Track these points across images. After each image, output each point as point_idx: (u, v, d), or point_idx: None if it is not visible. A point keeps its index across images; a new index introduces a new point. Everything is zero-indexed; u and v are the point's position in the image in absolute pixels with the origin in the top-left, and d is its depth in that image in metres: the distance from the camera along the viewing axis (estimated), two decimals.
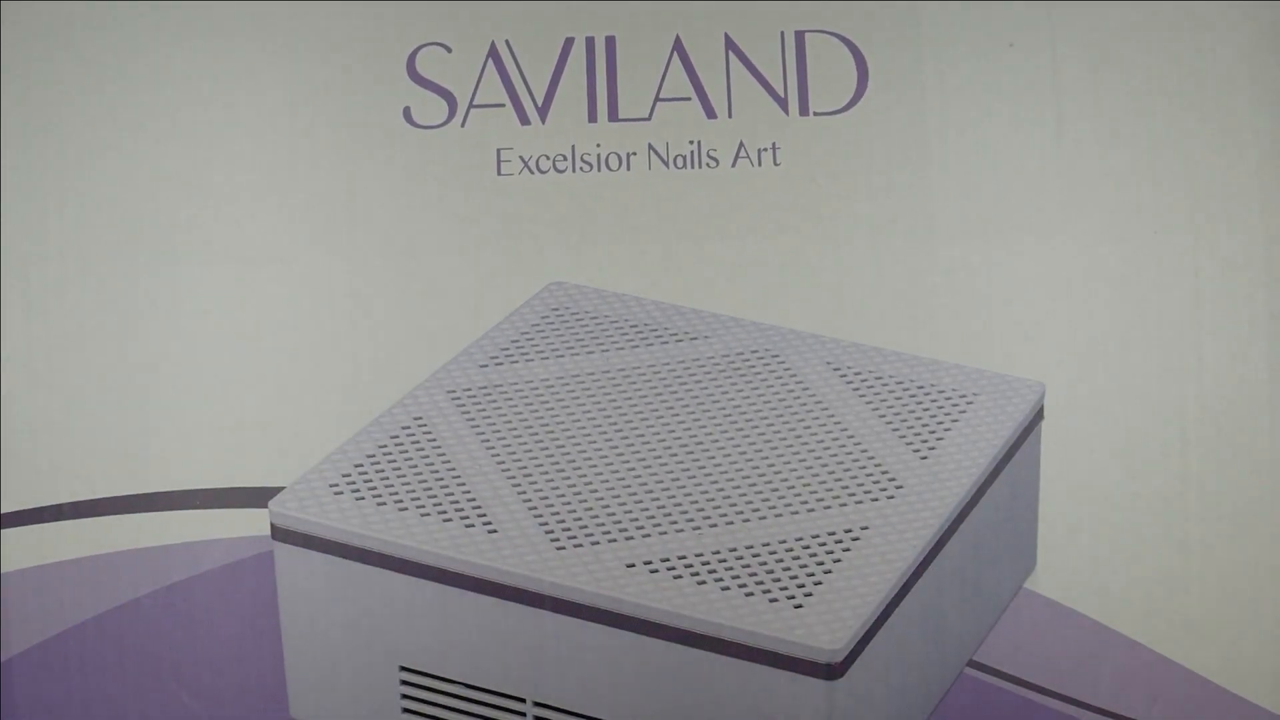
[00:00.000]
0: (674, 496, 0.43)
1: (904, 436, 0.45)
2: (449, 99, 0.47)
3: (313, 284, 0.45)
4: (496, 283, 0.46)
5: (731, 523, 0.42)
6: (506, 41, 0.47)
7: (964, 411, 0.45)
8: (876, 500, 0.43)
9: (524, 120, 0.46)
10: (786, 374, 0.47)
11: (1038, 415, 0.46)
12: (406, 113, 0.46)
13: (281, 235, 0.45)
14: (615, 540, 0.41)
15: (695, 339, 0.48)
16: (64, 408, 0.44)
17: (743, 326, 0.48)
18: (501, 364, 0.47)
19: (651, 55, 0.47)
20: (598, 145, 0.46)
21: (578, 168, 0.46)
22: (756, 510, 0.42)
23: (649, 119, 0.47)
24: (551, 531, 0.41)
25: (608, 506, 0.42)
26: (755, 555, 0.41)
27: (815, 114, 0.47)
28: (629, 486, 0.43)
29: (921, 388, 0.46)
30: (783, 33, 0.47)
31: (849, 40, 0.47)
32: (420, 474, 0.43)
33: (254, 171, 0.46)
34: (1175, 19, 0.47)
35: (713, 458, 0.44)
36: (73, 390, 0.45)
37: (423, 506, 0.42)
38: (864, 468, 0.44)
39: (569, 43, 0.47)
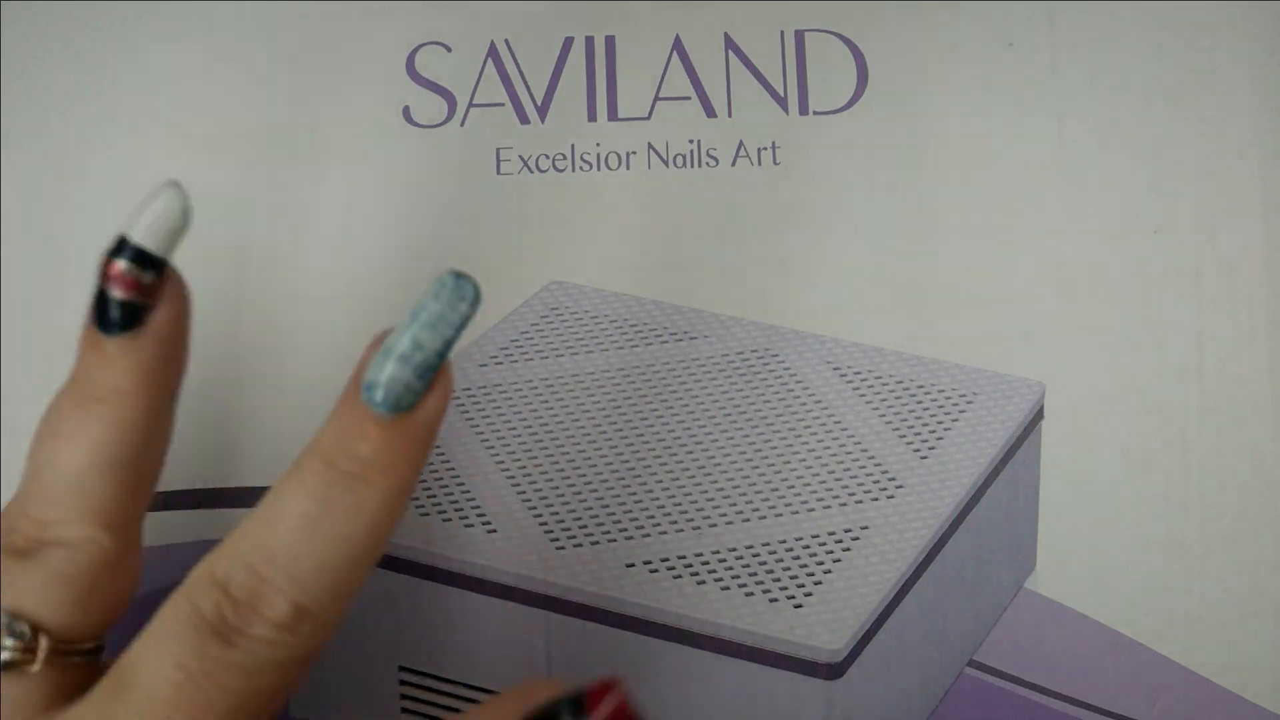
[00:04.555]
0: (674, 496, 0.43)
1: (904, 436, 0.45)
2: (448, 98, 0.47)
3: (314, 284, 0.45)
4: (496, 282, 0.46)
5: (731, 523, 0.42)
6: (506, 41, 0.47)
7: (964, 411, 0.45)
8: (876, 500, 0.43)
9: (524, 119, 0.46)
10: (786, 374, 0.47)
11: (1038, 415, 0.46)
12: (406, 112, 0.46)
13: (282, 235, 0.45)
14: (615, 540, 0.41)
15: (695, 339, 0.48)
16: None
17: (743, 326, 0.48)
18: (501, 363, 0.47)
19: (651, 55, 0.47)
20: (597, 145, 0.46)
21: (577, 167, 0.46)
22: (756, 510, 0.42)
23: (649, 118, 0.47)
24: (551, 531, 0.41)
25: (607, 506, 0.42)
26: (755, 555, 0.41)
27: (815, 113, 0.46)
28: (629, 486, 0.43)
29: (921, 387, 0.46)
30: (783, 32, 0.47)
31: (849, 40, 0.47)
32: (420, 474, 0.43)
33: (254, 171, 0.46)
34: (1175, 19, 0.47)
35: (713, 458, 0.44)
36: None
37: (422, 506, 0.42)
38: (864, 468, 0.44)
39: (569, 42, 0.47)
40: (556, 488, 0.43)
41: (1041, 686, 0.44)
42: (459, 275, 0.31)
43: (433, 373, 0.31)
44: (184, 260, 0.45)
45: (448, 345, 0.31)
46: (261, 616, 0.30)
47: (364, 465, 0.31)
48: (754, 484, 0.43)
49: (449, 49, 0.47)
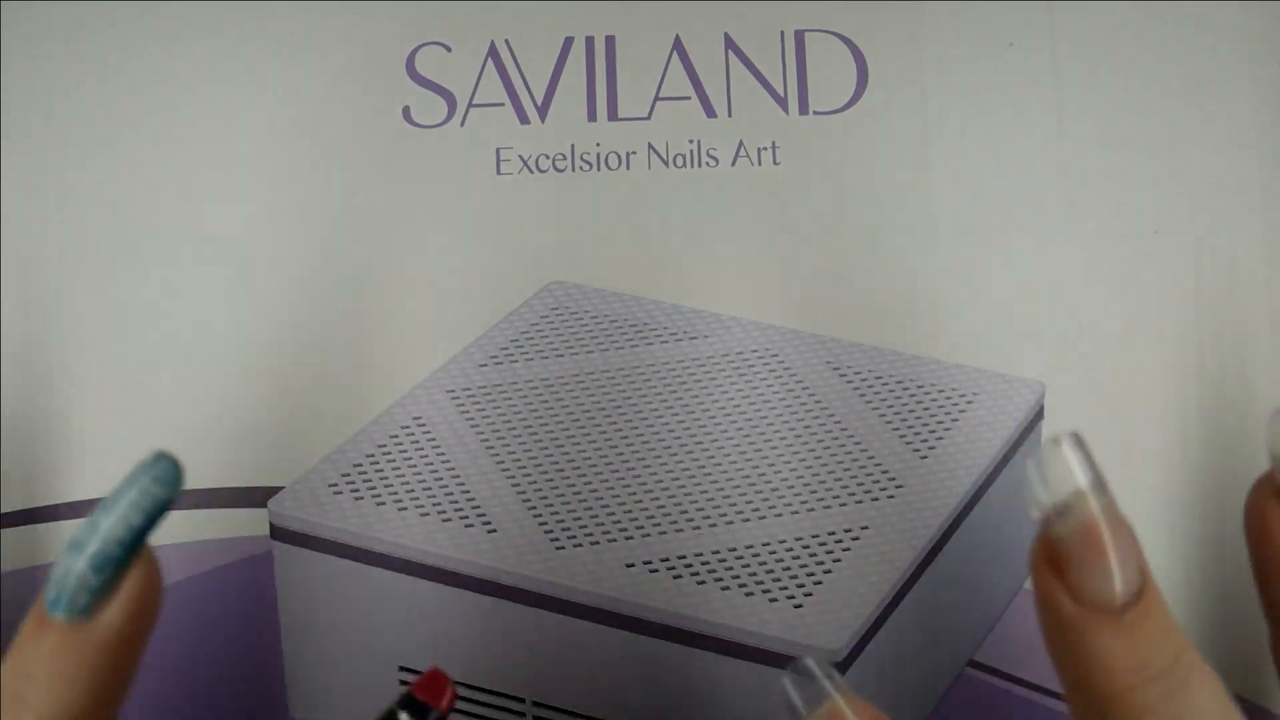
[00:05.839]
0: (674, 496, 0.43)
1: (904, 436, 0.45)
2: (448, 98, 0.47)
3: (313, 283, 0.45)
4: (496, 282, 0.46)
5: (731, 523, 0.42)
6: (506, 41, 0.47)
7: (964, 411, 0.45)
8: (876, 500, 0.43)
9: (524, 119, 0.46)
10: (786, 374, 0.47)
11: (1038, 415, 0.46)
12: (406, 112, 0.46)
13: (281, 235, 0.45)
14: (615, 540, 0.41)
15: (695, 339, 0.48)
16: (64, 408, 0.44)
17: (743, 326, 0.48)
18: (501, 363, 0.47)
19: (651, 55, 0.47)
20: (597, 145, 0.46)
21: (577, 167, 0.46)
22: (756, 510, 0.42)
23: (649, 118, 0.47)
24: (551, 531, 0.41)
25: (607, 506, 0.42)
26: (755, 555, 0.41)
27: (815, 114, 0.46)
28: (629, 486, 0.43)
29: (921, 387, 0.46)
30: (783, 32, 0.47)
31: (849, 40, 0.47)
32: (420, 474, 0.43)
33: (254, 171, 0.46)
34: (1175, 19, 0.47)
35: (713, 458, 0.44)
36: (73, 390, 0.45)
37: (422, 506, 0.42)
38: (864, 468, 0.44)
39: (569, 42, 0.47)
40: (556, 488, 0.43)
41: (1041, 686, 0.44)
42: (159, 454, 0.26)
43: (115, 566, 0.26)
44: (186, 261, 0.45)
45: (135, 534, 0.26)
46: None
47: (27, 683, 0.25)
48: (754, 484, 0.43)
49: (449, 49, 0.47)
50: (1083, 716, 0.28)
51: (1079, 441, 0.28)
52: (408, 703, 0.28)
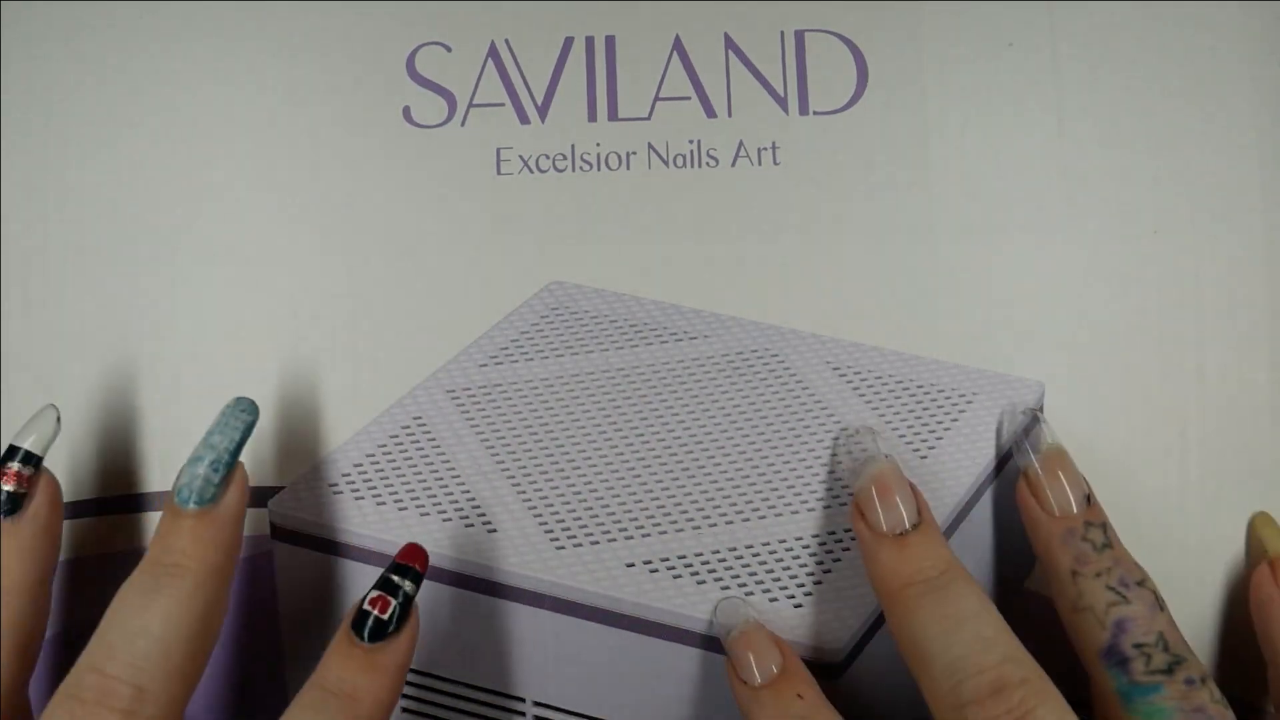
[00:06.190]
0: (674, 496, 0.43)
1: (904, 436, 0.45)
2: (449, 98, 0.47)
3: (313, 284, 0.45)
4: (496, 282, 0.46)
5: (731, 523, 0.42)
6: (506, 41, 0.47)
7: (964, 411, 0.46)
8: None
9: (524, 119, 0.46)
10: (786, 374, 0.47)
11: None
12: (406, 112, 0.46)
13: (281, 235, 0.45)
14: (615, 540, 0.41)
15: (695, 339, 0.48)
16: (64, 407, 0.44)
17: (743, 326, 0.48)
18: (501, 363, 0.47)
19: (651, 55, 0.47)
20: (597, 145, 0.46)
21: (577, 167, 0.46)
22: (756, 510, 0.42)
23: (649, 118, 0.47)
24: (551, 531, 0.41)
25: (607, 506, 0.42)
26: (755, 555, 0.41)
27: (815, 113, 0.47)
28: (629, 486, 0.43)
29: (921, 387, 0.46)
30: (783, 32, 0.47)
31: (849, 40, 0.47)
32: (420, 474, 0.43)
33: (254, 171, 0.46)
34: (1175, 19, 0.47)
35: (713, 458, 0.44)
36: (73, 390, 0.45)
37: (422, 506, 0.42)
38: None
39: (569, 42, 0.47)
40: (556, 488, 0.43)
41: None
42: (239, 397, 0.39)
43: (227, 470, 0.38)
44: (186, 261, 0.46)
45: (237, 446, 0.38)
46: (108, 708, 0.35)
47: (180, 555, 0.37)
48: (754, 484, 0.43)
49: (449, 49, 0.47)
50: (888, 619, 0.37)
51: (871, 428, 0.42)
52: (394, 568, 0.37)
